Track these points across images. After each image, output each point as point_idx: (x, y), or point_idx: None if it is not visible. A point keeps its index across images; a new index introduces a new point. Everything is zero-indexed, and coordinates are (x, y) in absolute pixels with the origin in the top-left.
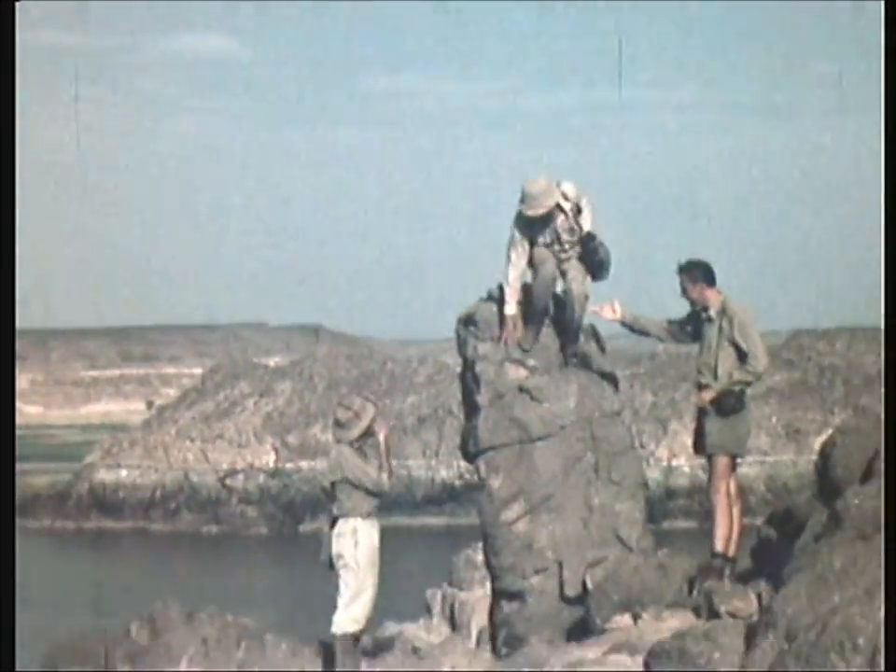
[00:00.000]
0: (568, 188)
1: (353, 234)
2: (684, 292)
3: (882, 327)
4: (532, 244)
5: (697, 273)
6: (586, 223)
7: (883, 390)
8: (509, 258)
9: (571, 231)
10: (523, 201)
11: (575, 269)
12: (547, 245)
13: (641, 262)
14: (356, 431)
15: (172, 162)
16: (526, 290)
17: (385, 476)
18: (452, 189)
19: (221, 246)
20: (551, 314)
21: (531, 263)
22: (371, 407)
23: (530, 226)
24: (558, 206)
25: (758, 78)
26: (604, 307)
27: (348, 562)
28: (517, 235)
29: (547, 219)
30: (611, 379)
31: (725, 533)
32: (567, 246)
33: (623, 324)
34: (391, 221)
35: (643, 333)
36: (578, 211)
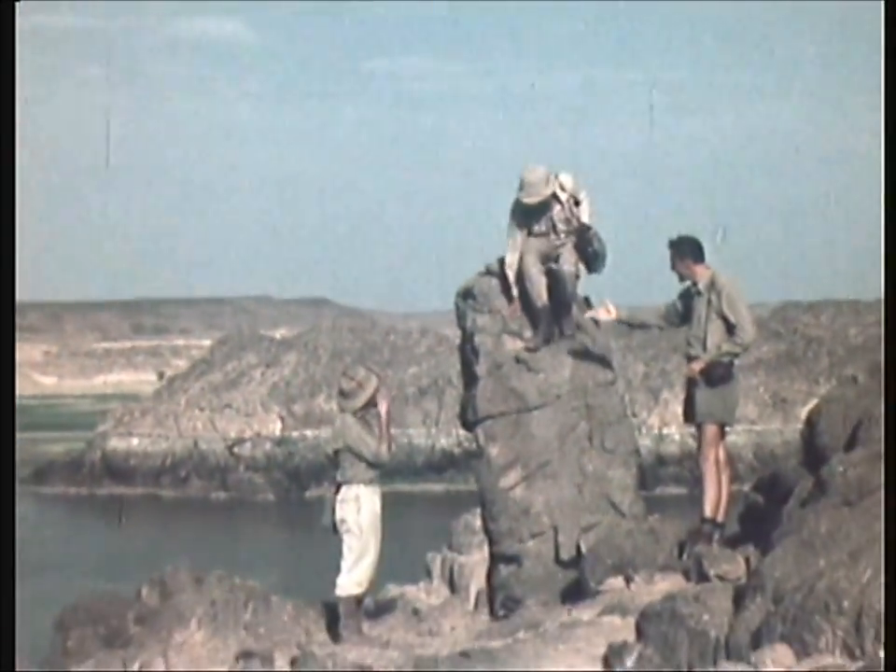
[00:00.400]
0: (566, 179)
1: (357, 211)
2: (673, 267)
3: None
4: (529, 232)
5: (685, 248)
6: (584, 215)
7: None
8: (508, 243)
9: (567, 221)
10: (521, 188)
11: (568, 252)
12: (542, 234)
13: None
14: (359, 401)
15: (182, 141)
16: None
17: (384, 448)
18: (452, 168)
19: (230, 223)
20: (543, 303)
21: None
22: (375, 378)
23: (526, 213)
24: (555, 196)
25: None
26: (599, 310)
27: (351, 527)
28: (513, 222)
29: (543, 208)
30: (605, 350)
31: (714, 499)
32: (562, 236)
33: (621, 322)
34: (394, 199)
35: (643, 327)
36: (575, 203)
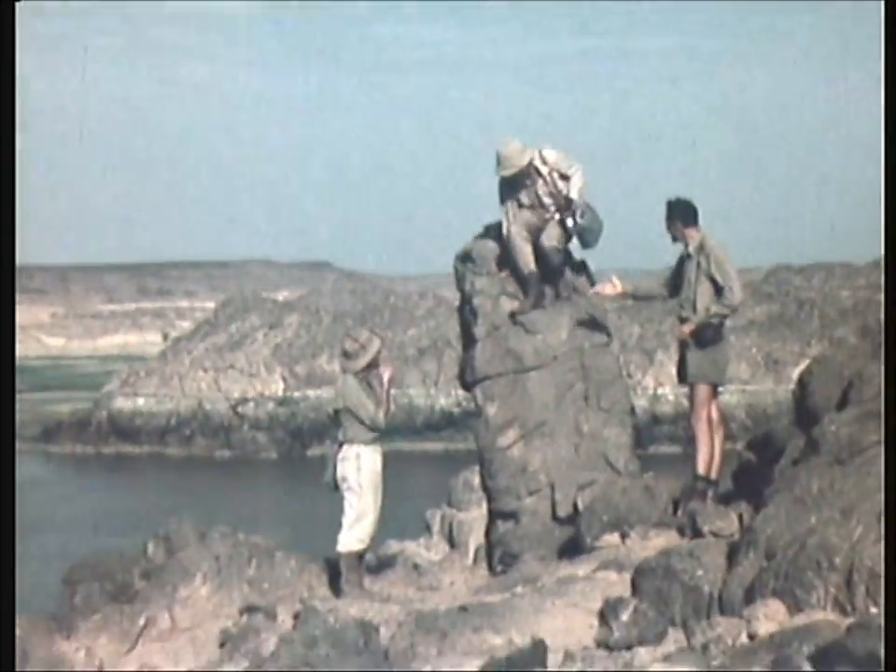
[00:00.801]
0: (549, 153)
1: (358, 176)
2: (668, 229)
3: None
4: (519, 204)
5: (678, 212)
6: (573, 190)
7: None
8: (503, 215)
9: (552, 195)
10: (498, 163)
11: (552, 226)
12: (529, 207)
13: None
14: (361, 362)
15: (186, 107)
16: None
17: (381, 412)
18: (451, 133)
19: (233, 188)
20: (530, 270)
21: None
22: (377, 340)
23: (511, 186)
24: (536, 171)
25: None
26: (605, 285)
27: (352, 485)
28: (502, 195)
29: (524, 180)
30: (600, 313)
31: (706, 457)
32: (551, 209)
33: (626, 295)
34: (394, 163)
35: (647, 298)
36: (561, 177)
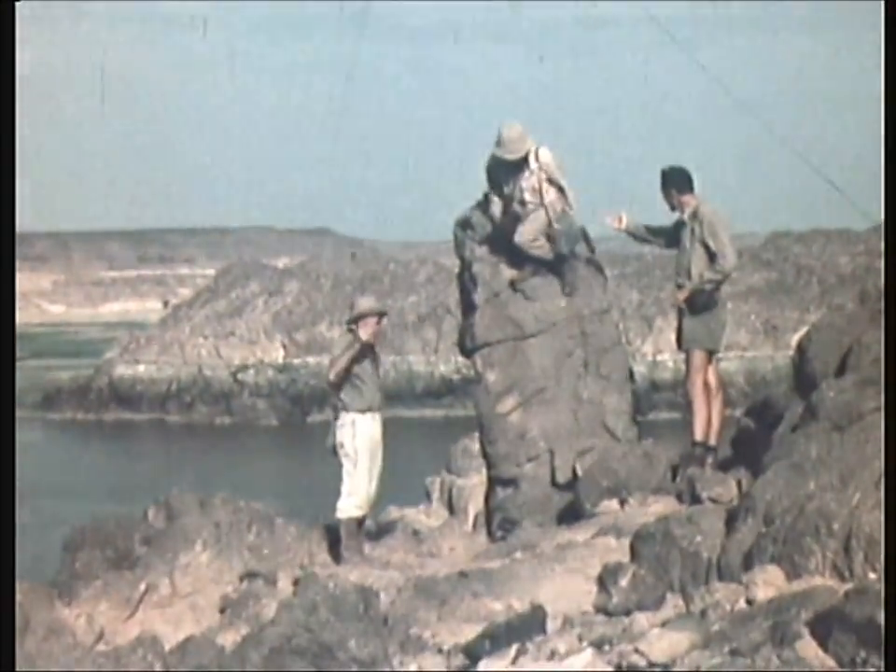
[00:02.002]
0: (544, 152)
1: (358, 143)
2: (665, 197)
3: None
4: (500, 193)
5: (672, 180)
6: (549, 194)
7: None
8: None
9: (534, 191)
10: (498, 144)
11: (529, 222)
12: (509, 199)
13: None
14: (351, 317)
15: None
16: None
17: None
18: (452, 100)
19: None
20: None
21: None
22: (374, 304)
23: (498, 170)
24: (526, 163)
25: None
26: (614, 218)
27: (348, 451)
28: (489, 174)
29: (514, 168)
30: (600, 279)
31: (703, 423)
32: (529, 207)
33: (627, 232)
34: (394, 131)
35: (645, 240)
36: (548, 180)
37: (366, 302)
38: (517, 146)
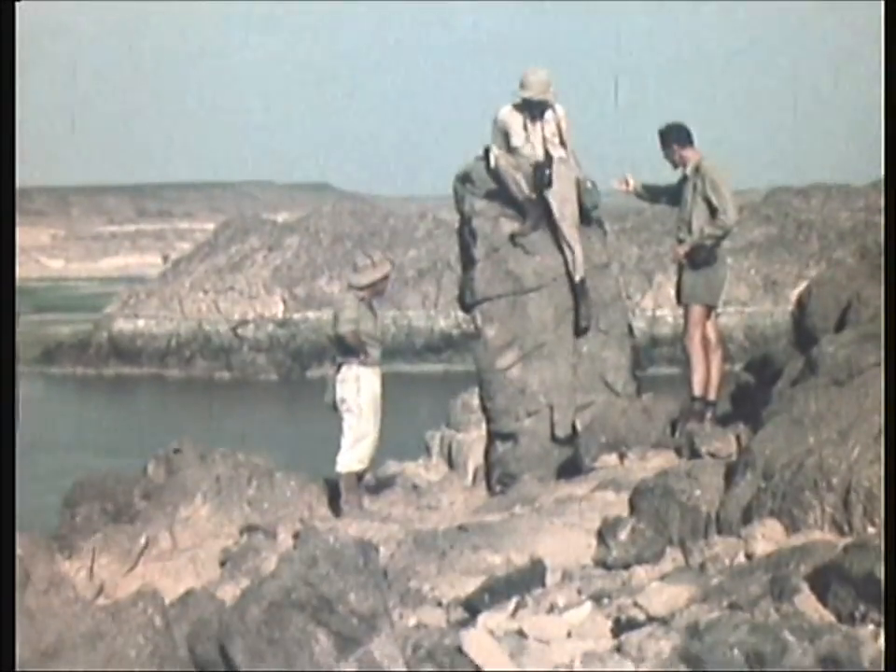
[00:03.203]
0: (560, 109)
1: (358, 97)
2: (666, 156)
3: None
4: (508, 145)
5: (670, 136)
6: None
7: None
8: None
9: (535, 146)
10: (522, 86)
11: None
12: (512, 149)
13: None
14: (366, 279)
15: (187, 28)
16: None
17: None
18: (453, 55)
19: (233, 110)
20: (525, 196)
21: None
22: (389, 265)
23: (522, 111)
24: (550, 108)
25: None
26: (621, 181)
27: (351, 406)
28: (495, 128)
29: (536, 113)
30: (600, 233)
31: (702, 378)
32: (530, 159)
33: (636, 194)
34: (393, 85)
35: (653, 201)
36: (559, 136)
37: (384, 266)
38: (543, 87)
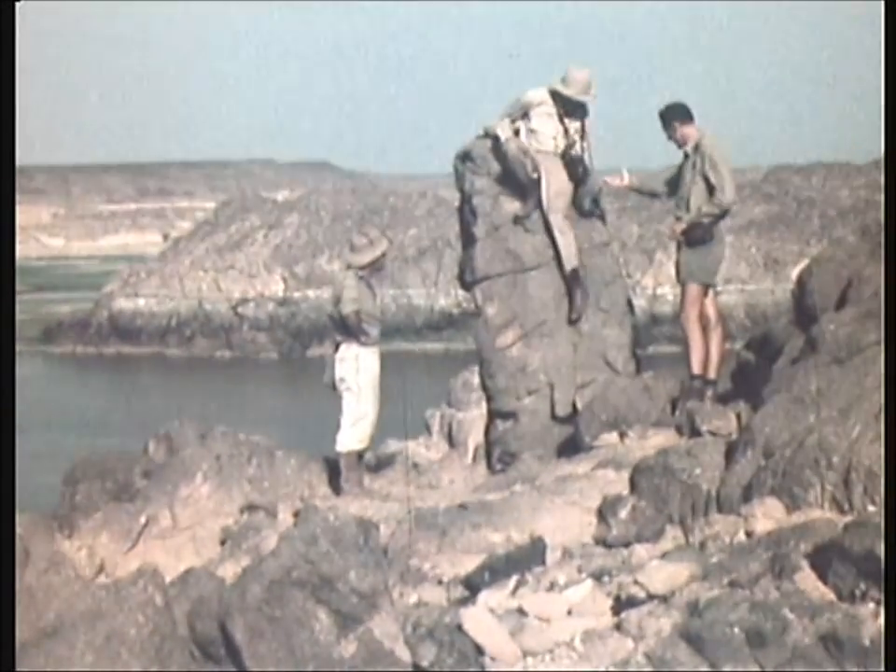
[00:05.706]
0: (590, 109)
1: (359, 76)
2: (669, 137)
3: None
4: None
5: (671, 114)
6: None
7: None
8: (500, 123)
9: (555, 138)
10: (564, 81)
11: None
12: (530, 131)
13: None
14: (364, 258)
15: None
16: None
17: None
18: (455, 34)
19: (234, 88)
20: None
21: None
22: (386, 242)
23: (556, 100)
24: (574, 106)
25: None
26: (615, 177)
27: (350, 385)
28: (515, 110)
29: (566, 105)
30: (600, 212)
31: (700, 356)
32: (542, 146)
33: (632, 189)
34: (395, 64)
35: (652, 195)
36: (580, 131)
37: (382, 243)
38: (584, 88)
